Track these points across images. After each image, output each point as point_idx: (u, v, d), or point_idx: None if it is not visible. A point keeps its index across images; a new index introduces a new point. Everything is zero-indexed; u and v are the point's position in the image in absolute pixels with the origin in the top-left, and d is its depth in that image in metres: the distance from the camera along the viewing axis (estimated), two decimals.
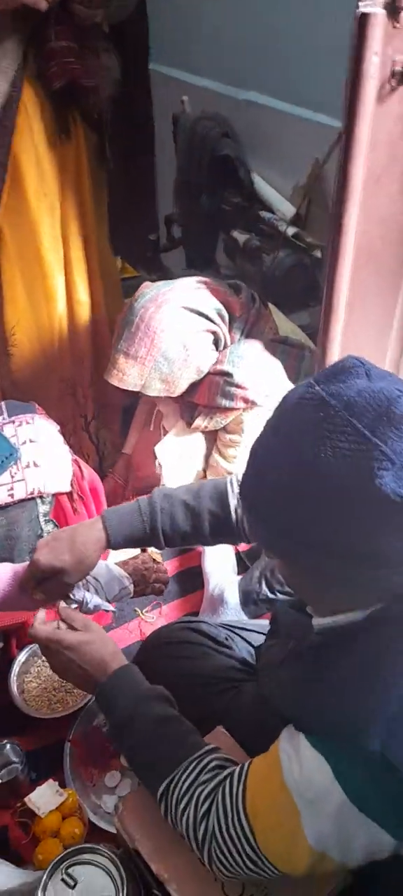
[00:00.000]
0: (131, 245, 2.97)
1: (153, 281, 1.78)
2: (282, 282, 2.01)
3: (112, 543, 1.12)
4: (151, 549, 1.78)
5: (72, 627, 1.05)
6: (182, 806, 0.86)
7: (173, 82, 2.54)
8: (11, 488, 1.35)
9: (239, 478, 0.85)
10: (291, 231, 1.98)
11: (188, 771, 0.88)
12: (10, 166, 1.67)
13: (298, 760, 0.76)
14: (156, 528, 1.12)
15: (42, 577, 1.11)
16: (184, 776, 0.88)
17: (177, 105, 2.30)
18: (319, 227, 1.95)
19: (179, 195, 2.28)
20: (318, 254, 1.96)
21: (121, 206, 2.71)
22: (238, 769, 0.86)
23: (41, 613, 1.09)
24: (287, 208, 2.06)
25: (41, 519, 1.39)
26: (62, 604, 1.10)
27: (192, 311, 1.66)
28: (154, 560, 1.79)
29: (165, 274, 2.94)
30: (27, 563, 1.15)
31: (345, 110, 1.16)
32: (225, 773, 0.87)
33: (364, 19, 1.08)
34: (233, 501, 1.14)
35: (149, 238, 2.69)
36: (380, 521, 0.67)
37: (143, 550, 1.78)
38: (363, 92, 1.13)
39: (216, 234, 2.28)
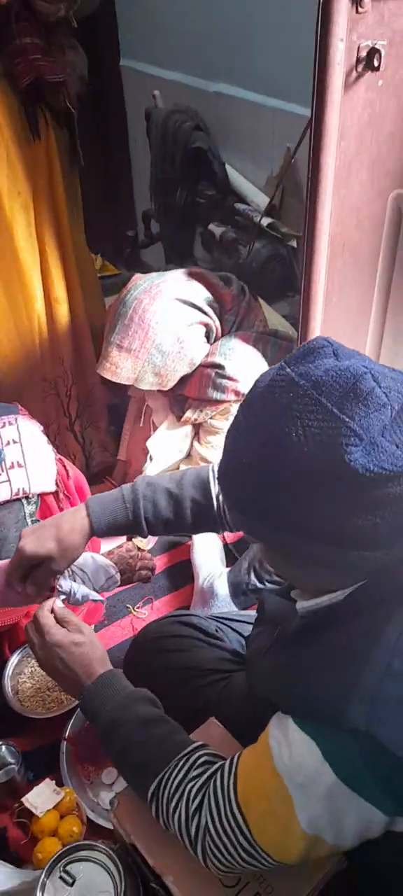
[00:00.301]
0: (109, 242, 2.96)
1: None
2: (260, 273, 2.01)
3: (95, 530, 1.11)
4: (136, 538, 1.78)
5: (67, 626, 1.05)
6: (173, 804, 0.86)
7: (144, 77, 2.52)
8: None
9: None
10: (266, 222, 1.98)
11: (178, 768, 0.87)
12: None
13: (287, 745, 0.76)
14: (139, 516, 1.12)
15: (28, 565, 1.10)
16: (173, 774, 0.87)
17: (150, 100, 2.29)
18: (294, 217, 1.96)
19: (155, 190, 2.28)
20: (294, 243, 1.97)
21: (98, 203, 2.70)
22: (228, 762, 0.86)
23: (50, 602, 1.08)
24: (261, 199, 2.06)
25: (28, 519, 1.38)
26: (58, 602, 1.08)
27: (185, 302, 1.66)
28: (138, 548, 1.80)
29: (145, 270, 2.93)
30: (10, 558, 1.14)
31: (313, 99, 1.16)
32: (215, 766, 0.87)
33: (327, 5, 1.07)
34: (215, 489, 1.14)
35: (126, 234, 2.68)
36: (352, 497, 0.68)
37: (129, 539, 1.78)
38: (330, 79, 1.13)
39: (193, 228, 2.28)
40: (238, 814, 0.80)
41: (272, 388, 0.74)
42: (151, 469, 1.87)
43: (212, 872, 0.86)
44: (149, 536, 1.91)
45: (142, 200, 2.64)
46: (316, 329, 1.38)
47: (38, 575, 1.11)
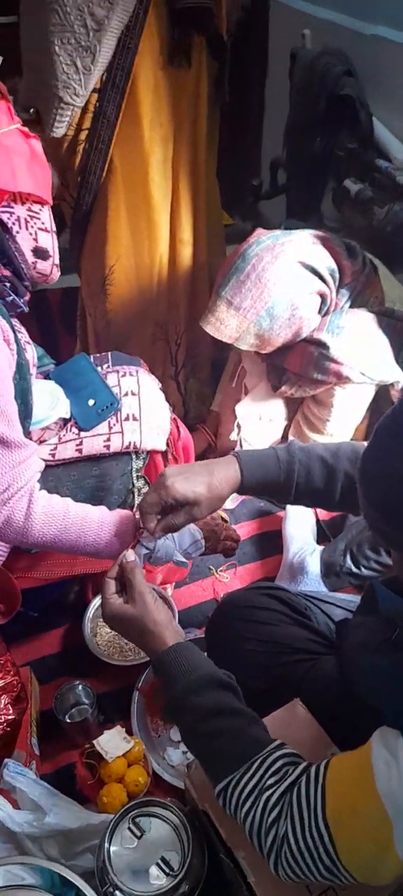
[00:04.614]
0: (229, 189, 2.82)
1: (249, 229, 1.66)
2: (393, 237, 1.84)
3: (244, 485, 1.04)
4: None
5: (127, 589, 0.98)
6: (245, 809, 0.80)
7: (294, 13, 2.35)
8: (108, 439, 1.31)
9: None
10: None
11: (251, 772, 0.81)
12: (127, 91, 1.58)
13: (397, 767, 0.70)
14: (292, 479, 1.04)
15: (169, 505, 1.02)
16: (245, 777, 0.81)
17: (296, 39, 2.13)
18: None
19: (290, 137, 2.13)
20: None
21: (225, 145, 2.57)
22: (313, 770, 0.79)
23: (115, 569, 1.01)
24: None
25: (134, 474, 1.34)
26: (130, 555, 1.01)
27: (307, 267, 1.54)
28: (223, 519, 1.74)
29: (262, 223, 2.79)
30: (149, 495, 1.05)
31: None
32: (295, 775, 0.80)
33: None
34: None
35: (251, 183, 2.54)
36: None
37: None
38: None
39: (324, 182, 2.12)
40: (324, 830, 0.74)
41: None
42: (247, 441, 1.79)
43: (282, 880, 0.79)
44: (234, 495, 1.86)
45: (270, 148, 2.50)
46: None
47: (172, 519, 1.03)
